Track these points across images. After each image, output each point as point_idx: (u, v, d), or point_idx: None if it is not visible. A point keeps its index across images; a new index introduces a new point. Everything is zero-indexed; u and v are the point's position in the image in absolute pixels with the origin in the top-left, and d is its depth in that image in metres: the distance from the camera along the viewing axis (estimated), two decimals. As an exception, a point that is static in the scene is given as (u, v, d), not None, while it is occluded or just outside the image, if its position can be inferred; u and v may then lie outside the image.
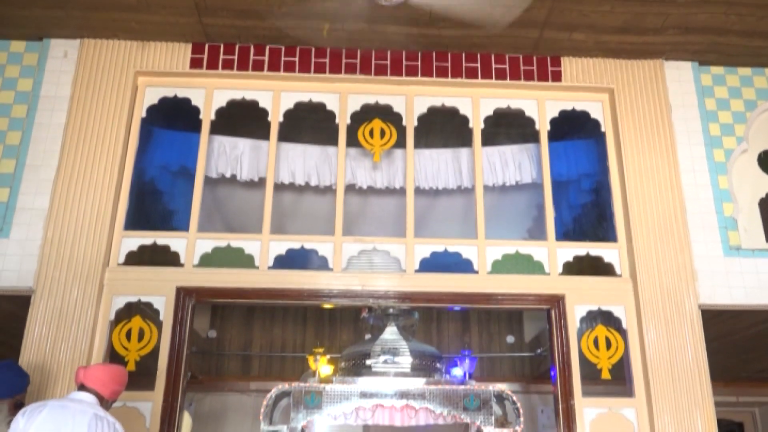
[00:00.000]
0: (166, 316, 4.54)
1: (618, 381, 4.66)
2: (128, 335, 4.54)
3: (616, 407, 4.52)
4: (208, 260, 4.76)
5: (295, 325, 8.05)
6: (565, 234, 5.49)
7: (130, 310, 4.62)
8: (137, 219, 4.94)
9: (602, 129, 5.25)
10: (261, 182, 5.28)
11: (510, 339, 8.14)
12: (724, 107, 5.24)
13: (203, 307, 7.63)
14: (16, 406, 3.42)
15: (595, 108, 5.31)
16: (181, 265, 4.72)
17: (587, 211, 5.62)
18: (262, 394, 5.00)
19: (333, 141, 5.30)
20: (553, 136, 5.30)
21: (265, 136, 5.22)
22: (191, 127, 5.20)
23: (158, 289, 4.61)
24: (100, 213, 4.66)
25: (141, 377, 4.42)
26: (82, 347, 4.33)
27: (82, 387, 3.36)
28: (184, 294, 4.62)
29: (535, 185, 5.53)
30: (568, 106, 5.31)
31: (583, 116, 5.32)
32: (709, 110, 5.21)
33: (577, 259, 4.94)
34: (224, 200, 5.85)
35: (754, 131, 5.22)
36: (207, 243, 4.80)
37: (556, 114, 5.28)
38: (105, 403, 3.39)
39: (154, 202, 5.42)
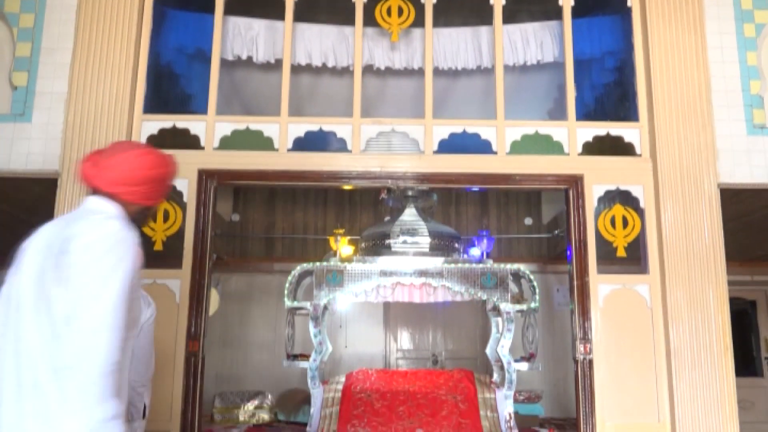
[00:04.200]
0: (190, 197, 4.65)
1: (633, 260, 4.74)
2: (154, 216, 4.66)
3: (630, 283, 4.63)
4: (227, 143, 4.80)
5: (316, 208, 8.20)
6: (586, 114, 5.42)
7: (154, 192, 4.71)
8: (156, 103, 4.94)
9: (628, 4, 5.06)
10: (278, 64, 5.22)
11: (528, 221, 8.22)
12: (759, -22, 4.99)
13: (225, 192, 7.77)
14: None
15: (622, -20, 5.10)
16: (202, 148, 4.77)
17: (609, 91, 5.50)
18: (286, 274, 5.17)
19: (350, 20, 5.16)
20: (576, 13, 5.12)
21: (281, 16, 5.11)
22: (205, 8, 5.10)
23: (180, 171, 4.61)
24: (119, 97, 4.67)
25: (168, 257, 4.59)
26: (110, 228, 4.46)
27: None
28: (206, 176, 4.69)
29: (557, 64, 5.40)
30: (593, -21, 5.10)
31: (609, -10, 5.13)
32: (742, -19, 4.98)
33: (598, 140, 4.90)
34: (242, 83, 5.80)
35: (790, 5, 4.99)
36: (226, 126, 4.83)
37: (580, -12, 5.08)
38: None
39: (171, 86, 5.39)
